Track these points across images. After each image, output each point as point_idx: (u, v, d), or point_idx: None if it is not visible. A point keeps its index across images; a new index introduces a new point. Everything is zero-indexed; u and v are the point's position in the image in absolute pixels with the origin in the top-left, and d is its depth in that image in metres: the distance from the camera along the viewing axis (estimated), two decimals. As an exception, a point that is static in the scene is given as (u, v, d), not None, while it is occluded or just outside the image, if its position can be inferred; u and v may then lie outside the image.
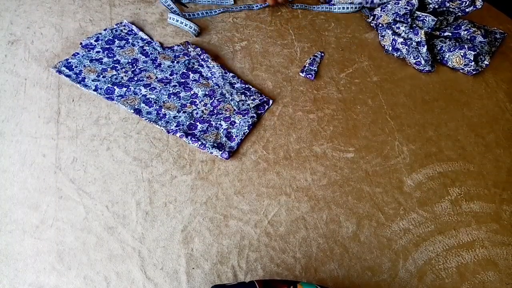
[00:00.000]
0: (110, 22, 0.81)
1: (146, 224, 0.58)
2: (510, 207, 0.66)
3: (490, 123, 0.76)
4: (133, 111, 0.68)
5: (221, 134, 0.67)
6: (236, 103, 0.70)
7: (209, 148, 0.64)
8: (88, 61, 0.73)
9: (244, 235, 0.59)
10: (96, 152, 0.64)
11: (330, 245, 0.59)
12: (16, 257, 0.53)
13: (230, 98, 0.70)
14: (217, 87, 0.72)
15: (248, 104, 0.70)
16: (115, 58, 0.75)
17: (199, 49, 0.77)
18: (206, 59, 0.76)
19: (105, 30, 0.78)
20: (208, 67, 0.75)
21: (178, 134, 0.66)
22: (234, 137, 0.67)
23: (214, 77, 0.73)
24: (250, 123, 0.68)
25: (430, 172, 0.68)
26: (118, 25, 0.80)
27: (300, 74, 0.78)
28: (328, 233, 0.60)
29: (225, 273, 0.55)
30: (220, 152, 0.64)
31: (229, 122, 0.68)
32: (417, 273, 0.58)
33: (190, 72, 0.74)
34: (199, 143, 0.65)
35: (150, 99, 0.70)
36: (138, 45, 0.77)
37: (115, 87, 0.70)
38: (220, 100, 0.71)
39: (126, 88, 0.70)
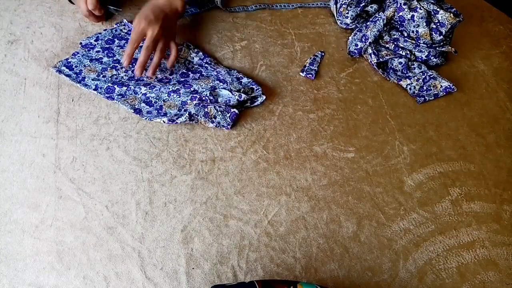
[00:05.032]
0: (110, 21, 0.81)
1: (145, 224, 0.58)
2: (511, 207, 0.66)
3: (491, 123, 0.76)
4: (133, 111, 0.67)
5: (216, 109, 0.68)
6: (236, 100, 0.69)
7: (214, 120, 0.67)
8: (88, 60, 0.73)
9: (244, 235, 0.59)
10: (96, 152, 0.63)
11: (330, 245, 0.59)
12: (15, 257, 0.53)
13: (237, 94, 0.70)
14: (218, 82, 0.72)
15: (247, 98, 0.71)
16: (115, 58, 0.74)
17: (201, 53, 0.77)
18: (209, 62, 0.76)
19: (105, 29, 0.78)
20: (213, 68, 0.75)
21: (181, 119, 0.66)
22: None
23: (220, 74, 0.73)
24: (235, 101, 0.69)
25: (431, 172, 0.68)
26: (118, 24, 0.80)
27: (301, 73, 0.78)
28: (329, 233, 0.60)
29: (225, 273, 0.55)
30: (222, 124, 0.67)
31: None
32: (418, 273, 0.58)
33: (190, 72, 0.74)
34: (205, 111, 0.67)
35: (150, 98, 0.69)
36: None
37: (115, 86, 0.70)
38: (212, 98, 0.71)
39: (126, 87, 0.70)
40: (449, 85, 0.77)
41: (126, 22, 0.80)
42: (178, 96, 0.70)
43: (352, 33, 0.83)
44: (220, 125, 0.68)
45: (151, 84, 0.71)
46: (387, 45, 0.81)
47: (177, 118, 0.66)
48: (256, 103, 0.72)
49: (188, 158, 0.65)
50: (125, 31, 0.79)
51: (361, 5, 0.83)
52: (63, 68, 0.71)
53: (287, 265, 0.57)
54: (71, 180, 0.60)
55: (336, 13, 0.87)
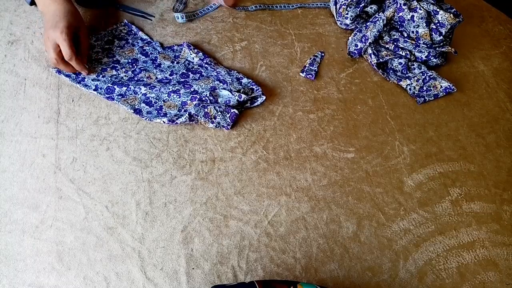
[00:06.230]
0: (110, 20, 0.81)
1: (146, 224, 0.58)
2: (511, 207, 0.66)
3: (491, 123, 0.76)
4: (133, 111, 0.67)
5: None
6: (236, 100, 0.69)
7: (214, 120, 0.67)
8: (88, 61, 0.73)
9: (244, 235, 0.59)
10: (96, 152, 0.63)
11: (330, 245, 0.59)
12: (15, 257, 0.53)
13: (237, 95, 0.69)
14: (218, 82, 0.72)
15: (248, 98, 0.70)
16: (115, 58, 0.74)
17: (201, 53, 0.77)
18: (209, 62, 0.76)
19: (104, 30, 0.78)
20: (213, 68, 0.75)
21: (181, 119, 0.66)
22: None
23: (220, 74, 0.73)
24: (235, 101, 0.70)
25: (431, 172, 0.68)
26: (118, 24, 0.80)
27: (300, 74, 0.78)
28: (329, 234, 0.60)
29: (225, 273, 0.55)
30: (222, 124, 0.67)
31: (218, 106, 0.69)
32: (418, 274, 0.58)
33: (190, 73, 0.74)
34: (204, 111, 0.67)
35: (150, 98, 0.69)
36: (138, 45, 0.77)
37: (115, 87, 0.70)
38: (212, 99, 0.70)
39: (126, 88, 0.70)
40: (449, 86, 0.77)
41: (126, 22, 0.80)
42: (178, 97, 0.70)
43: (352, 34, 0.83)
44: (220, 126, 0.68)
45: (151, 85, 0.71)
46: (387, 46, 0.81)
47: (177, 119, 0.66)
48: (256, 104, 0.72)
49: (188, 158, 0.65)
50: (125, 31, 0.79)
51: (361, 5, 0.83)
52: (63, 68, 0.71)
53: (287, 265, 0.57)
54: (71, 180, 0.60)
55: (336, 13, 0.87)
